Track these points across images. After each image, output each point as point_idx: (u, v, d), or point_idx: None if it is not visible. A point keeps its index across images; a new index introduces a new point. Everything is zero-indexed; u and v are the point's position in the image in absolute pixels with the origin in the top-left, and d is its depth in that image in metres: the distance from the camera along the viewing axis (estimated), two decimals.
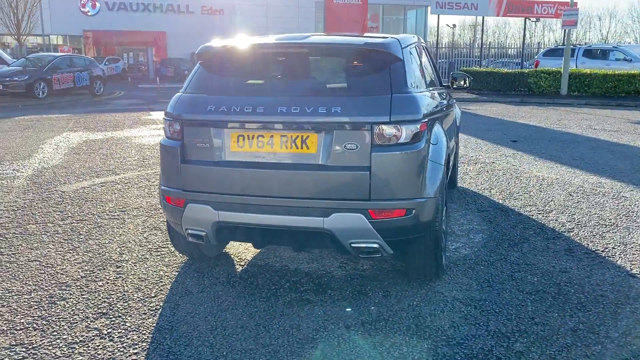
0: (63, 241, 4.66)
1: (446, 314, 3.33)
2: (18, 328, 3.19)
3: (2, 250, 4.46)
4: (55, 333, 3.13)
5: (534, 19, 37.41)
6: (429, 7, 26.44)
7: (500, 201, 5.84)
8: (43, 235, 4.81)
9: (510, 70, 21.02)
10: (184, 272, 4.01)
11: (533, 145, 9.59)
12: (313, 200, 3.21)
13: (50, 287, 3.74)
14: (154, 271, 4.01)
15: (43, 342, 3.04)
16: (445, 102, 4.68)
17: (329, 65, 3.47)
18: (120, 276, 3.93)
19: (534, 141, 10.03)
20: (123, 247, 4.51)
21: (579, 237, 4.68)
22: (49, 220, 5.23)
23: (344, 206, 3.19)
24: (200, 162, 3.41)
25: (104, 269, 4.07)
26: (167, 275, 3.94)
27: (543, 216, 5.29)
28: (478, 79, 20.64)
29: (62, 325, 3.22)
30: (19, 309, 3.42)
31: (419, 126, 3.26)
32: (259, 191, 3.29)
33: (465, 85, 5.53)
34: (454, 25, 65.02)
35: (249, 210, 3.31)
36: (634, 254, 4.30)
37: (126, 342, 3.03)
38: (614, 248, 4.42)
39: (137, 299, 3.57)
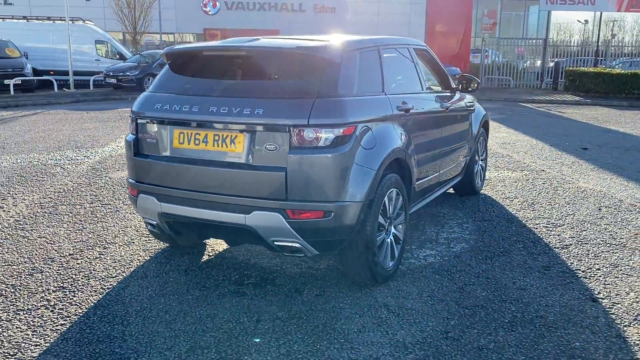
0: (78, 222, 5.20)
1: (363, 318, 3.33)
2: None
3: (25, 226, 5.09)
4: (13, 300, 3.58)
5: None
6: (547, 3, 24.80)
7: (514, 212, 5.54)
8: (66, 216, 5.40)
9: (623, 71, 19.24)
10: (155, 257, 4.33)
11: (604, 154, 8.84)
12: (237, 198, 3.37)
13: (37, 261, 4.23)
14: (131, 254, 4.38)
15: None
16: (428, 106, 4.55)
17: (264, 68, 3.57)
18: (100, 256, 4.34)
19: (608, 150, 9.23)
20: (121, 230, 4.95)
21: (568, 255, 4.35)
22: (79, 203, 5.85)
23: (263, 205, 3.31)
24: (149, 156, 3.70)
25: (92, 248, 4.51)
26: (139, 259, 4.29)
27: (547, 230, 4.96)
28: (585, 81, 19.16)
29: (23, 294, 3.67)
30: (1, 278, 3.93)
31: (342, 130, 3.28)
32: (194, 186, 3.50)
33: (475, 88, 5.32)
34: (586, 21, 60.45)
35: (186, 203, 3.54)
36: (616, 277, 3.93)
37: (62, 314, 3.40)
38: (599, 269, 4.07)
39: (99, 277, 3.95)
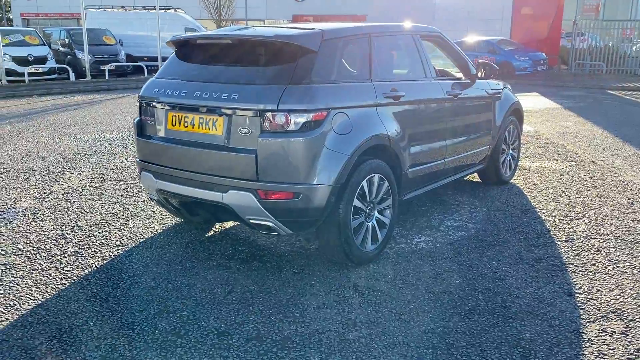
0: (115, 196, 5.72)
1: (327, 296, 3.47)
2: (15, 253, 4.20)
3: (70, 197, 5.68)
4: (32, 260, 4.08)
5: None
6: None
7: (535, 203, 5.38)
8: (107, 190, 5.94)
9: None
10: (166, 231, 4.70)
11: None
12: (216, 177, 3.62)
13: (66, 229, 4.74)
14: (147, 227, 4.78)
15: (19, 264, 3.99)
16: (429, 93, 4.51)
17: (245, 55, 3.76)
18: (121, 227, 4.78)
19: None
20: (148, 205, 5.38)
21: (568, 249, 4.21)
22: (123, 179, 6.39)
23: (238, 184, 3.54)
24: (148, 137, 4.04)
25: (117, 220, 4.97)
26: (152, 232, 4.68)
27: (561, 223, 4.79)
28: None
29: (42, 255, 4.15)
30: (31, 241, 4.46)
31: (311, 116, 3.42)
32: (183, 165, 3.80)
33: (491, 75, 5.21)
34: None
35: (176, 181, 3.85)
36: (608, 273, 3.78)
37: (67, 275, 3.83)
38: (593, 265, 3.92)
39: (112, 245, 4.37)
